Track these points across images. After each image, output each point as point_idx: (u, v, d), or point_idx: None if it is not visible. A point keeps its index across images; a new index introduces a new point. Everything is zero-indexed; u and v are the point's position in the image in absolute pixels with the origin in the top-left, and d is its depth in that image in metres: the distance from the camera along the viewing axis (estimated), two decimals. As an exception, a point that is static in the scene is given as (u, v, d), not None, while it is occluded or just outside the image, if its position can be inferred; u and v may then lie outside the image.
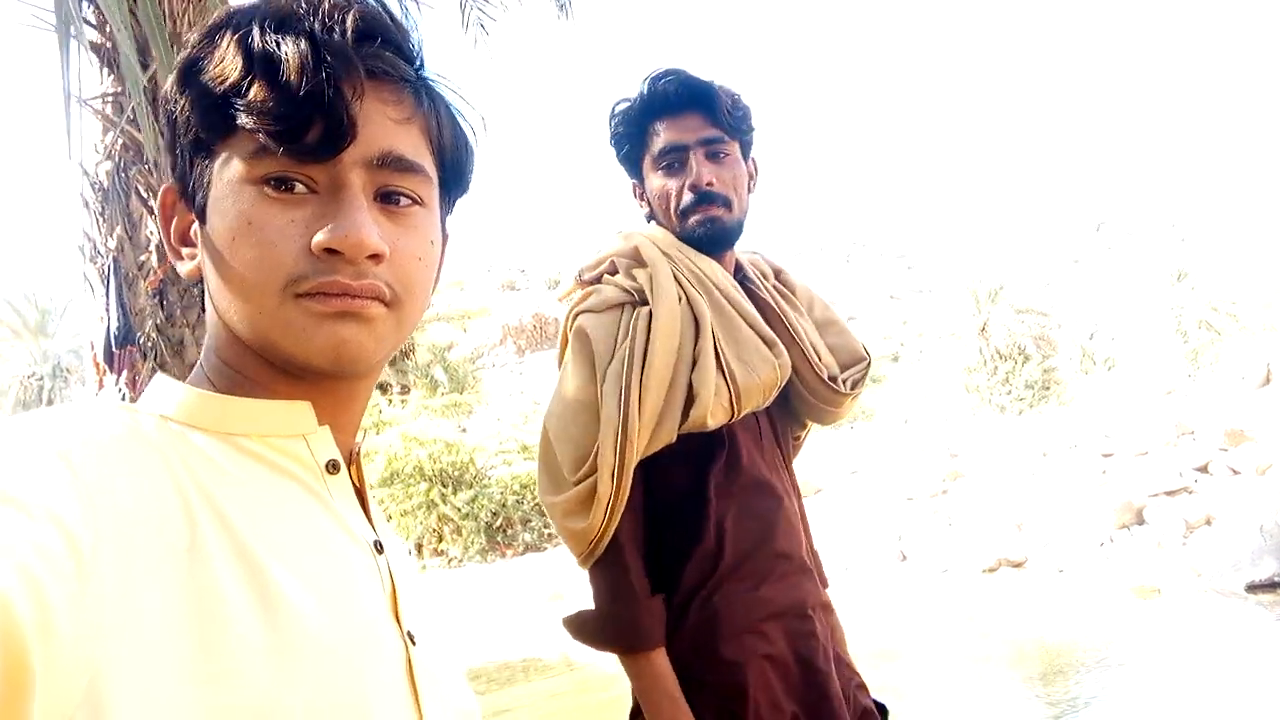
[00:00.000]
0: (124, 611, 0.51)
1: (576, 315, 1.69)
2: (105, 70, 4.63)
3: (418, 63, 0.73)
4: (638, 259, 1.70)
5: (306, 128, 0.64)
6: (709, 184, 1.66)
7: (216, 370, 0.70)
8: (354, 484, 0.75)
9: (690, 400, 1.57)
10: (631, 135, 1.73)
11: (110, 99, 4.55)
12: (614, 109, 1.75)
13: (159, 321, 4.75)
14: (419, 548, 17.31)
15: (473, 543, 16.34)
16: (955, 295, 33.21)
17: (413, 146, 0.71)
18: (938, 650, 7.50)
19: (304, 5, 0.66)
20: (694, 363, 1.59)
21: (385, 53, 0.69)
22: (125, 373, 5.10)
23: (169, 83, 0.68)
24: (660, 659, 1.54)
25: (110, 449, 0.57)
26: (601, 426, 1.55)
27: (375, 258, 0.66)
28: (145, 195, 4.72)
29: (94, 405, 0.61)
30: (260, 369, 0.69)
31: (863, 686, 1.72)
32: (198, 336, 4.80)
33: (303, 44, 0.64)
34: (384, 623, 0.68)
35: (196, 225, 0.70)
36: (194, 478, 0.60)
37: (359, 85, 0.66)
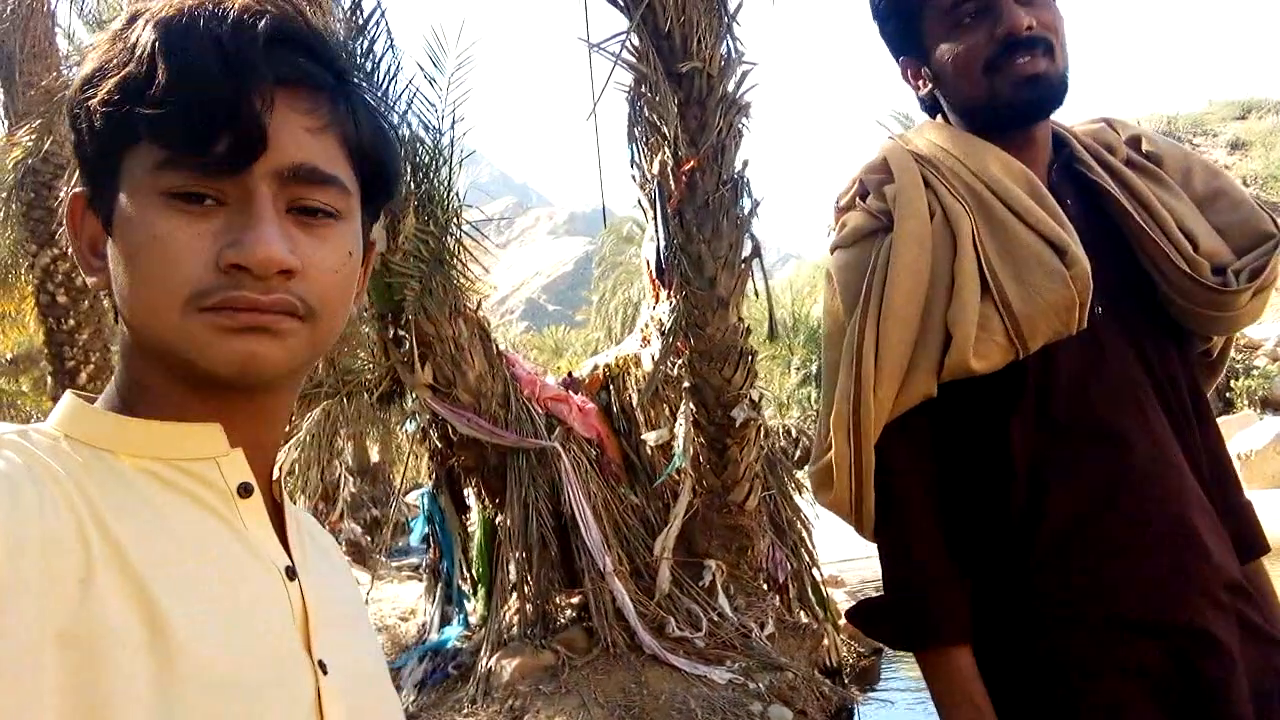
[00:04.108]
0: (13, 646, 0.52)
1: (831, 251, 1.41)
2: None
3: (336, 68, 0.70)
4: (886, 170, 1.34)
5: (213, 139, 0.62)
6: (1029, 27, 1.23)
7: (127, 387, 0.69)
8: (275, 504, 0.74)
9: (950, 340, 1.22)
10: None
11: (621, 39, 4.90)
12: None
13: (680, 241, 5.08)
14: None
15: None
16: None
17: (327, 157, 0.68)
18: None
19: (212, 10, 0.63)
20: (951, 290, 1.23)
21: (299, 59, 0.66)
22: (673, 288, 5.60)
23: (73, 87, 0.67)
24: (960, 658, 1.23)
25: (5, 479, 0.57)
26: (838, 382, 1.28)
27: (286, 273, 0.64)
28: (656, 122, 5.04)
29: None
30: (171, 386, 0.67)
31: None
32: (713, 250, 5.04)
33: (209, 51, 0.62)
34: (290, 652, 0.67)
35: (105, 236, 0.68)
36: (91, 507, 0.59)
37: (269, 94, 0.64)
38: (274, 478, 0.75)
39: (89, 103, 0.64)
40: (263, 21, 0.64)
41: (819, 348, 24.71)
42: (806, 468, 1.42)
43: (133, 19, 0.64)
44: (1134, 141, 1.39)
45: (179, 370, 0.66)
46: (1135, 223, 1.28)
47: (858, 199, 1.40)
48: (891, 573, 1.31)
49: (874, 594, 1.37)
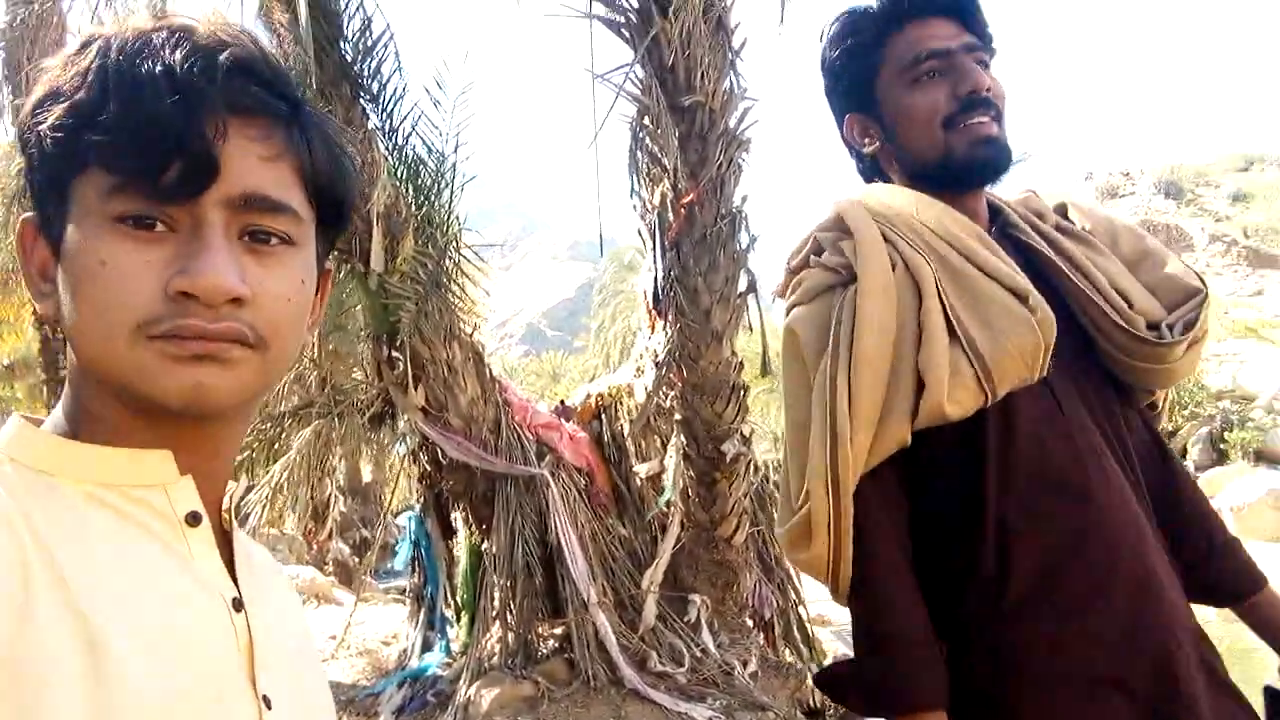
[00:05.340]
0: None
1: (788, 311, 1.41)
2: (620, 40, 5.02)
3: (291, 97, 0.69)
4: (842, 228, 1.36)
5: (165, 167, 0.61)
6: (988, 89, 1.30)
7: (76, 413, 0.68)
8: (225, 534, 0.72)
9: (922, 387, 1.23)
10: (864, 49, 1.39)
11: (625, 70, 4.92)
12: (839, 22, 1.43)
13: (676, 273, 5.08)
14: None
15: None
16: None
17: (280, 185, 0.67)
18: None
19: (167, 38, 0.63)
20: (919, 339, 1.25)
21: (253, 87, 0.66)
22: (668, 319, 5.60)
23: (24, 111, 0.66)
24: None
25: None
26: (812, 434, 1.26)
27: (236, 301, 0.64)
28: (657, 154, 5.07)
29: None
30: (120, 413, 0.66)
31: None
32: (709, 284, 5.04)
33: (162, 79, 0.61)
34: (232, 685, 0.65)
35: (53, 262, 0.67)
36: (33, 533, 0.58)
37: (222, 122, 0.63)
38: (224, 507, 0.74)
39: (39, 127, 0.63)
40: (217, 51, 0.64)
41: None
42: (777, 529, 1.41)
43: (86, 44, 0.64)
44: (1061, 209, 1.47)
45: (127, 398, 0.65)
46: (1072, 283, 1.33)
47: (812, 256, 1.41)
48: (866, 631, 1.28)
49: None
